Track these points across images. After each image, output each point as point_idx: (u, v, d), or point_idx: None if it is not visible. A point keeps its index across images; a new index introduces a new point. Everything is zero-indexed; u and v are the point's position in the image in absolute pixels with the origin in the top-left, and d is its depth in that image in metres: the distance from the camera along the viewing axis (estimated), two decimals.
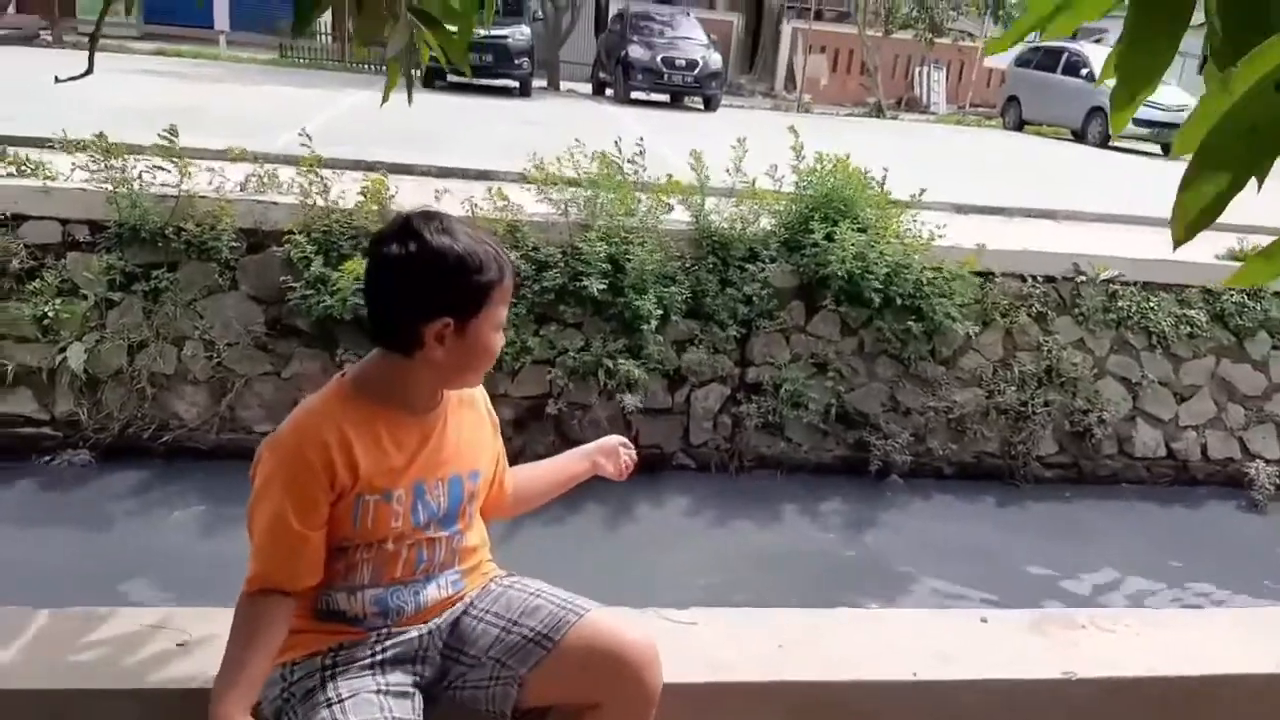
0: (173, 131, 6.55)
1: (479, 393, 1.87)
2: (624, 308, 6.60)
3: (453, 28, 2.09)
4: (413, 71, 2.20)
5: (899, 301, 6.82)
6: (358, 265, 6.22)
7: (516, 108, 14.99)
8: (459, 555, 1.79)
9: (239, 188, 6.73)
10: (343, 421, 1.60)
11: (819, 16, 23.27)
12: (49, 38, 17.25)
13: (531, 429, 6.70)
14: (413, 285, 1.58)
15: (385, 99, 2.27)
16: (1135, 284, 7.40)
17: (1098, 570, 6.00)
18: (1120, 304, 7.33)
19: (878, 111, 21.40)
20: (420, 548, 1.71)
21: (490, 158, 9.14)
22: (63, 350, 6.13)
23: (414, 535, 1.69)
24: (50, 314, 6.11)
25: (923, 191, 7.49)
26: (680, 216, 7.12)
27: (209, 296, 6.41)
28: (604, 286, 6.56)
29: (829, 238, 6.79)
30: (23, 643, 1.81)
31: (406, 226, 1.60)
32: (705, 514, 6.36)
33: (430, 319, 1.59)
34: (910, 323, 6.84)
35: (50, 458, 6.07)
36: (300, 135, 6.86)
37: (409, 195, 6.87)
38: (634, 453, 2.14)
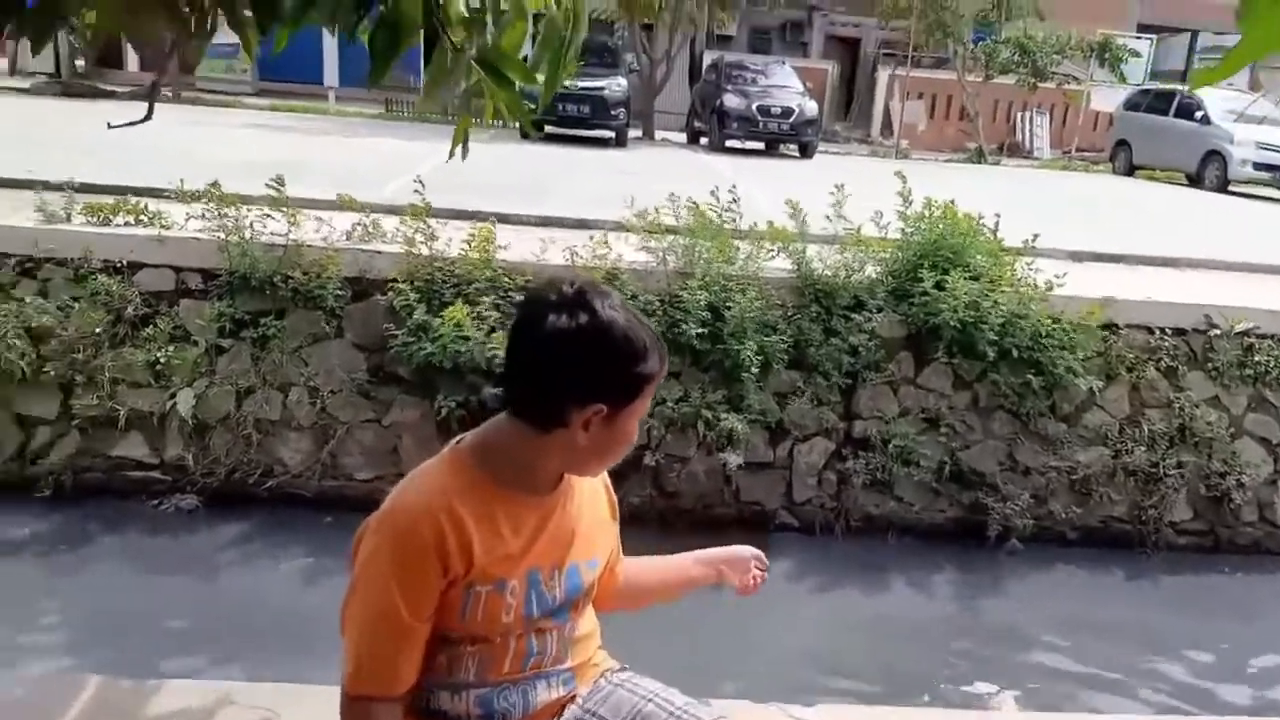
0: (280, 181, 6.69)
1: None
2: (723, 356, 6.43)
3: (522, 81, 1.97)
4: (473, 123, 2.10)
5: (1015, 354, 6.48)
6: (458, 313, 6.22)
7: (612, 158, 15.10)
8: (571, 648, 1.64)
9: (345, 237, 6.82)
10: (456, 499, 1.45)
11: (916, 64, 22.98)
12: (168, 94, 18.13)
13: (629, 481, 6.54)
14: (575, 363, 1.44)
15: (451, 153, 2.16)
16: (1272, 337, 6.90)
17: (1264, 654, 5.44)
18: (1257, 358, 6.83)
19: (979, 157, 20.93)
20: (530, 639, 1.56)
21: (588, 207, 9.13)
22: (173, 396, 6.25)
23: (524, 627, 1.54)
24: (163, 360, 6.25)
25: (1035, 237, 7.16)
26: (781, 264, 6.95)
27: (314, 344, 6.47)
28: (703, 334, 6.41)
29: (939, 286, 6.52)
30: (111, 715, 1.71)
31: (580, 297, 1.45)
32: (809, 579, 6.06)
33: (585, 403, 1.45)
34: (1029, 376, 6.49)
35: (159, 502, 6.16)
36: (415, 182, 6.94)
37: (511, 244, 6.87)
38: (767, 568, 1.96)
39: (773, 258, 6.95)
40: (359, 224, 6.93)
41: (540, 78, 1.98)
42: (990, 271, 6.70)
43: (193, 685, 1.82)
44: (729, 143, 17.39)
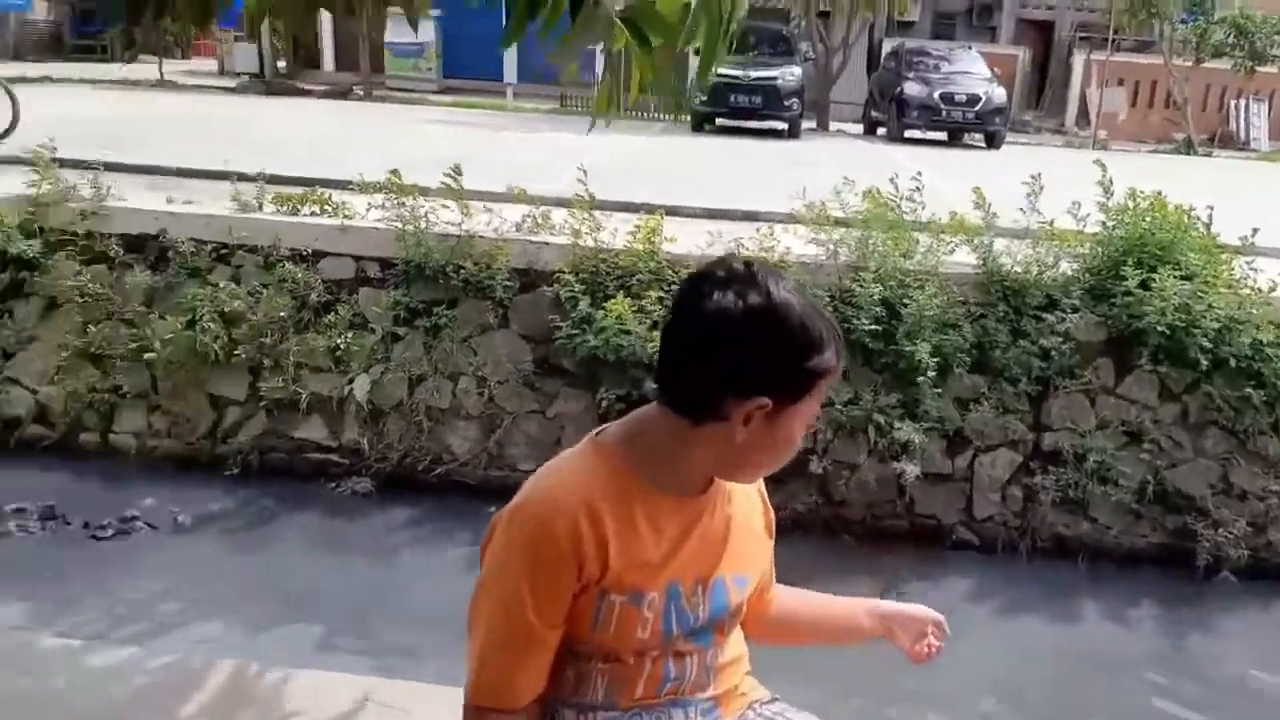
0: (457, 170, 6.80)
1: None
2: (897, 357, 6.07)
3: (664, 38, 1.78)
4: (620, 99, 1.93)
5: (1233, 363, 5.82)
6: (620, 306, 6.14)
7: (785, 149, 14.75)
8: (714, 674, 1.44)
9: (515, 228, 6.87)
10: (597, 493, 1.28)
11: (1116, 47, 21.38)
12: (360, 92, 19.06)
13: (791, 486, 6.28)
14: (740, 347, 1.24)
15: (592, 125, 1.99)
16: None
17: None
18: None
19: (1187, 147, 19.27)
20: (667, 662, 1.37)
21: (757, 199, 8.90)
22: (351, 381, 6.46)
23: (661, 647, 1.36)
24: (342, 346, 6.46)
25: (1255, 233, 6.42)
26: (965, 259, 6.51)
27: (483, 334, 6.54)
28: (876, 332, 6.08)
29: (1144, 285, 5.93)
30: (243, 702, 1.66)
31: (751, 274, 1.26)
32: (989, 602, 5.62)
33: (746, 395, 1.25)
34: (1248, 389, 5.82)
35: (336, 484, 6.37)
36: (578, 171, 6.91)
37: (677, 237, 6.74)
38: (947, 636, 1.68)
39: (954, 251, 6.53)
40: (529, 216, 6.97)
41: (692, 52, 1.79)
42: (1204, 271, 6.05)
43: (324, 676, 1.76)
44: (908, 133, 16.68)
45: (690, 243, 6.79)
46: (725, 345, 1.24)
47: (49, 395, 6.52)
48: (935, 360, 5.99)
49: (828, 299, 6.33)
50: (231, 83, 20.07)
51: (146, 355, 6.48)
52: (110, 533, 5.50)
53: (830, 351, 1.28)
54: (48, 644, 1.88)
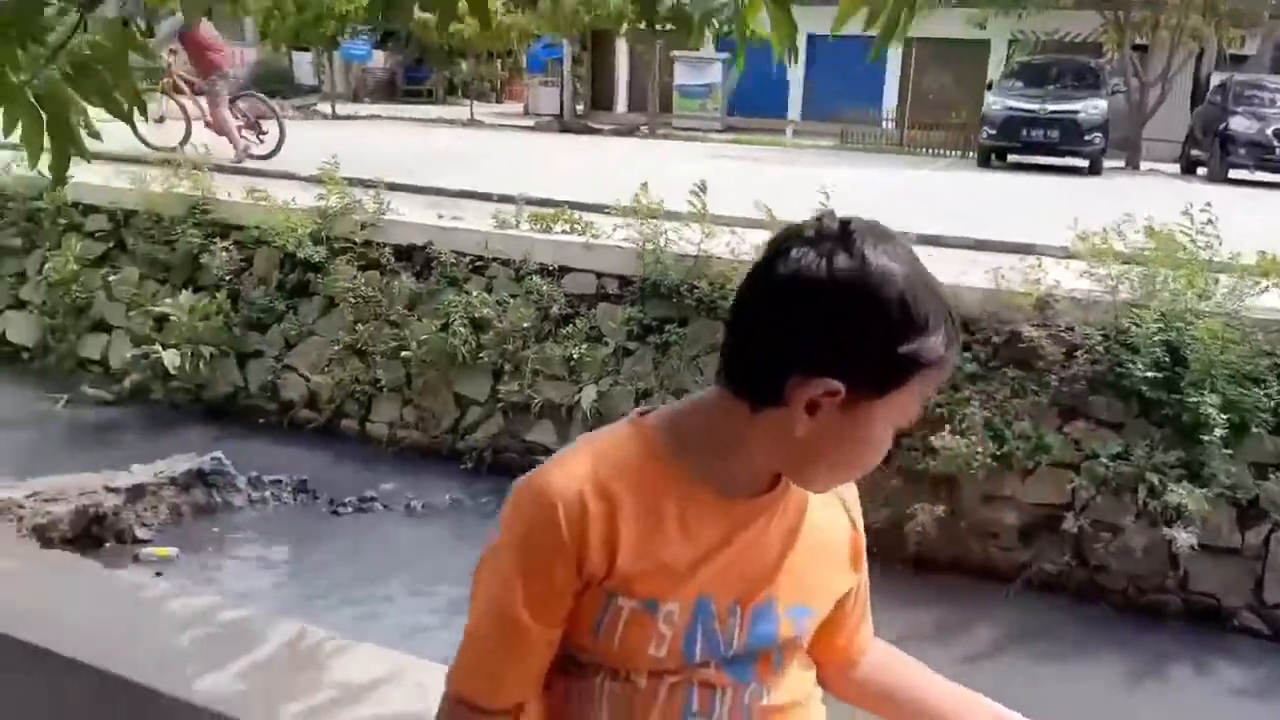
0: (700, 191, 6.76)
1: (846, 491, 1.21)
2: (1180, 409, 5.26)
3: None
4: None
5: None
6: None
7: (1082, 186, 13.51)
8: (754, 718, 1.13)
9: (755, 251, 6.70)
10: (617, 476, 1.05)
11: None
12: (645, 130, 19.78)
13: (1040, 543, 5.60)
14: (812, 318, 0.98)
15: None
16: None
17: None
18: None
19: None
20: (691, 692, 1.08)
21: (1036, 233, 8.14)
22: (580, 390, 6.56)
23: (683, 670, 1.07)
24: (576, 356, 6.60)
25: None
26: (1276, 303, 5.55)
27: (711, 353, 6.41)
28: (1154, 379, 5.30)
29: None
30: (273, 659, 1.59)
31: (844, 232, 0.99)
32: (1276, 702, 4.67)
33: (809, 373, 0.98)
34: None
35: None
36: (821, 195, 6.64)
37: (933, 265, 6.27)
38: None
39: (1264, 293, 5.60)
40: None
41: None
42: None
43: (392, 655, 1.64)
44: (1233, 172, 14.75)
45: (939, 270, 6.27)
46: (794, 312, 0.98)
47: (319, 384, 7.16)
48: (1226, 417, 5.12)
49: (1099, 338, 5.67)
50: (531, 122, 21.54)
51: (403, 353, 6.95)
52: (349, 510, 5.91)
53: (938, 338, 0.99)
54: (140, 582, 1.91)
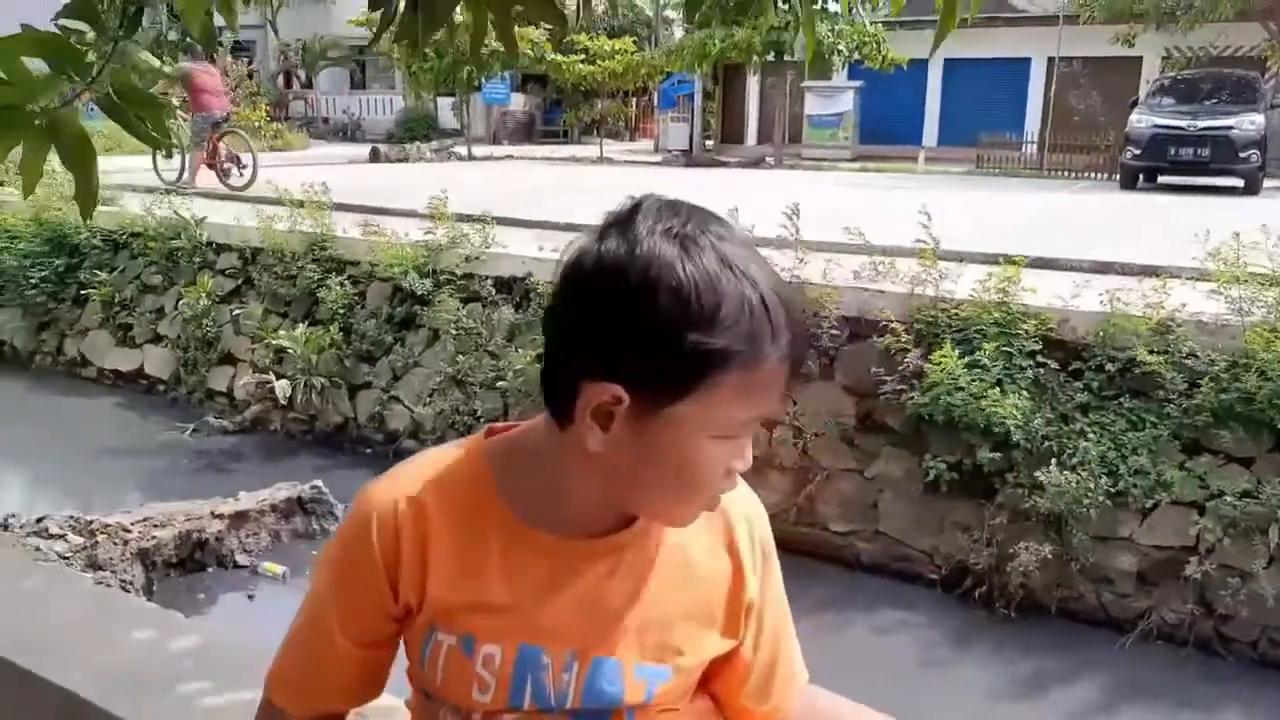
0: (795, 211, 6.63)
1: (738, 509, 1.03)
2: None
3: None
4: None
5: None
6: (949, 358, 5.52)
7: (1233, 207, 12.53)
8: None
9: (853, 276, 6.50)
10: (437, 498, 0.96)
11: None
12: (771, 162, 19.65)
13: (1160, 590, 5.13)
14: (577, 310, 0.88)
15: None
16: None
17: None
18: None
19: None
20: None
21: (1169, 255, 7.58)
22: None
23: (523, 716, 0.97)
24: None
25: None
26: None
27: (804, 383, 6.22)
28: None
29: None
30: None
31: (629, 213, 0.88)
32: None
33: (594, 378, 0.86)
34: None
35: None
36: (923, 215, 6.41)
37: (1048, 288, 5.95)
38: None
39: None
40: (869, 264, 6.57)
41: None
42: None
43: None
44: None
45: (1052, 293, 5.94)
46: (568, 308, 0.89)
47: (422, 414, 7.34)
48: None
49: (1223, 364, 5.20)
50: (660, 158, 21.76)
51: (500, 383, 7.05)
52: None
53: (739, 329, 0.83)
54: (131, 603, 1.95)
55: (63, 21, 1.46)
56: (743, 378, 0.85)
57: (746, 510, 1.05)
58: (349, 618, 0.99)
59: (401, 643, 1.02)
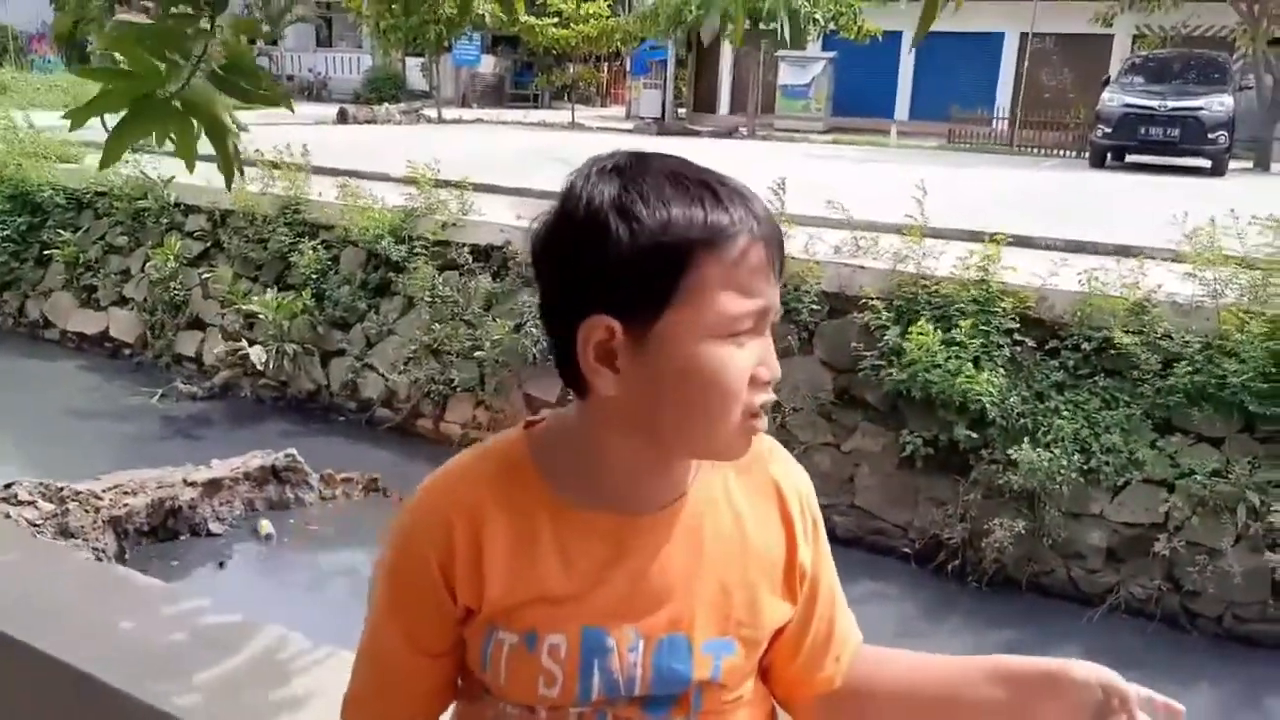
0: (781, 186, 6.63)
1: (789, 482, 1.01)
2: None
3: None
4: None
5: None
6: (927, 335, 5.55)
7: (1202, 187, 12.70)
8: None
9: (834, 251, 6.51)
10: (491, 495, 0.94)
11: None
12: (744, 132, 19.58)
13: (1129, 566, 5.24)
14: (552, 263, 0.89)
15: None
16: None
17: None
18: None
19: None
20: None
21: (1139, 235, 7.67)
22: None
23: (584, 710, 0.95)
24: None
25: None
26: None
27: (784, 358, 6.17)
28: (1261, 390, 4.93)
29: None
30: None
31: (586, 168, 0.89)
32: None
33: (578, 317, 0.86)
34: None
35: None
36: (918, 195, 6.43)
37: (1025, 266, 5.99)
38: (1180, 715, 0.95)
39: None
40: (851, 239, 6.58)
41: None
42: None
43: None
44: None
45: (1031, 272, 5.99)
46: (540, 272, 0.90)
47: (396, 383, 7.27)
48: None
49: (1198, 346, 5.30)
50: (631, 125, 21.58)
51: (477, 353, 7.00)
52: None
53: (697, 222, 0.84)
54: (140, 582, 1.91)
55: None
56: (717, 266, 0.84)
57: (797, 484, 1.02)
58: (412, 627, 0.97)
59: None
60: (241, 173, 1.63)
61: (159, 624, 1.76)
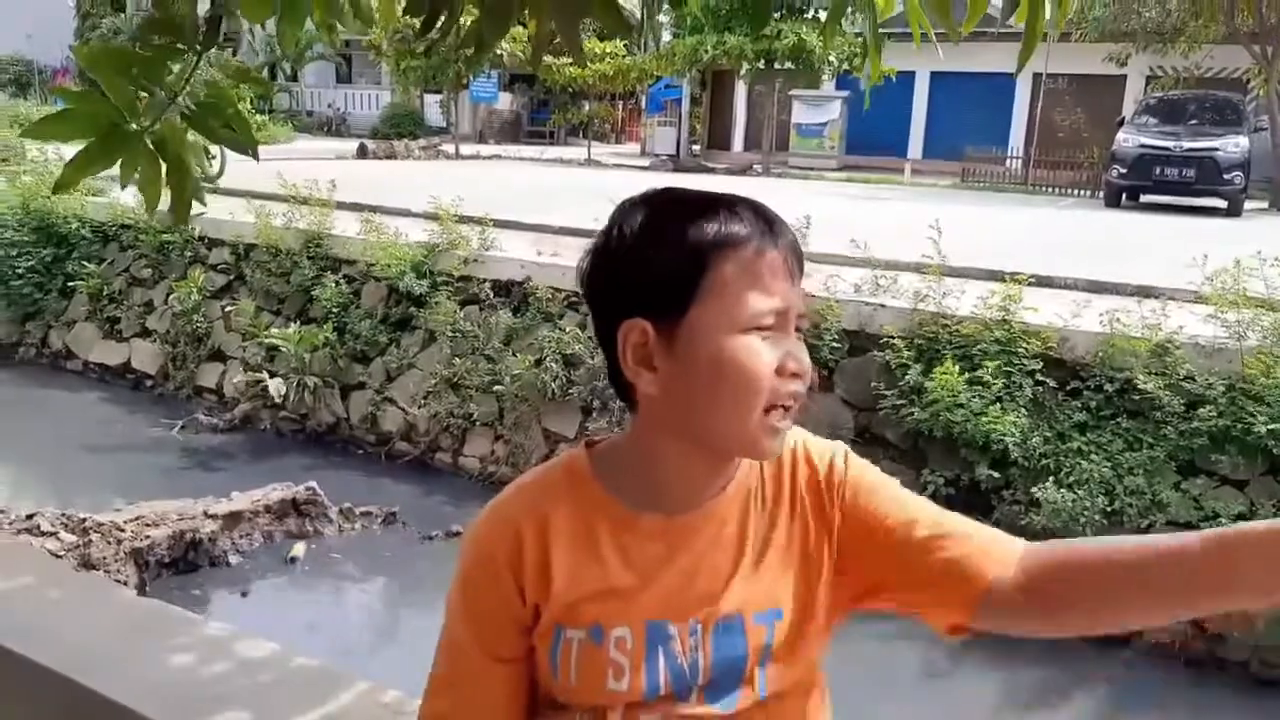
0: (806, 223, 6.70)
1: (803, 458, 1.03)
2: None
3: None
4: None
5: None
6: (950, 376, 5.55)
7: (1217, 227, 12.72)
8: None
9: (854, 290, 6.53)
10: (552, 505, 1.02)
11: None
12: (758, 169, 19.72)
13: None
14: (595, 279, 1.00)
15: None
16: None
17: None
18: None
19: None
20: None
21: (1156, 275, 7.68)
22: None
23: (657, 708, 0.99)
24: None
25: None
26: None
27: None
28: None
29: None
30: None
31: (624, 201, 1.01)
32: None
33: (616, 323, 0.96)
34: None
35: None
36: (933, 233, 6.46)
37: (1046, 306, 6.00)
38: None
39: None
40: (871, 277, 6.61)
41: None
42: None
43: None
44: None
45: (1053, 312, 5.99)
46: (587, 292, 1.00)
47: (416, 416, 7.30)
48: None
49: (1221, 389, 5.28)
50: (647, 162, 21.78)
51: (496, 388, 7.03)
52: (437, 536, 6.00)
53: (714, 225, 0.93)
54: (166, 611, 1.92)
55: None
56: (734, 266, 0.92)
57: (812, 455, 1.04)
58: (485, 633, 1.02)
59: None
60: (186, 221, 1.60)
61: (196, 656, 1.77)
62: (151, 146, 1.39)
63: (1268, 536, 0.84)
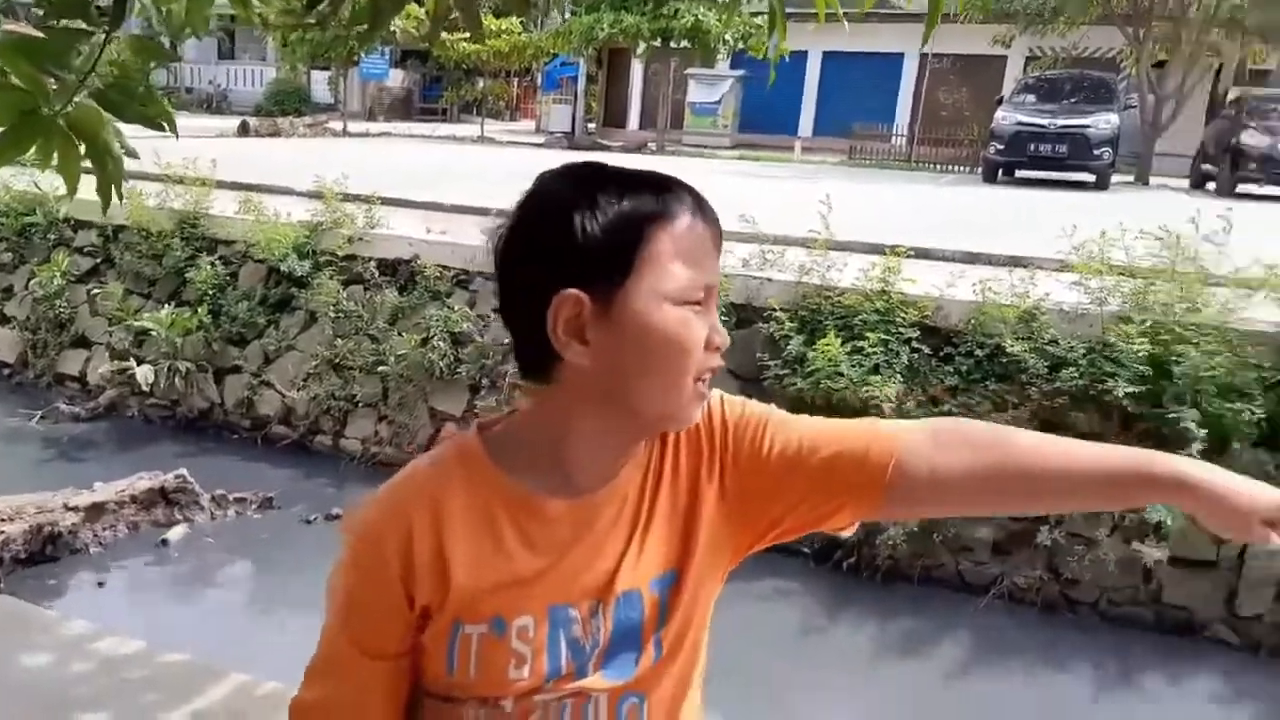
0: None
1: (720, 407, 1.04)
2: (1160, 423, 5.09)
3: None
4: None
5: None
6: (833, 346, 5.67)
7: (1086, 200, 13.29)
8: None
9: (742, 265, 6.60)
10: (446, 494, 0.97)
11: None
12: (653, 147, 19.75)
13: (1014, 558, 5.44)
14: (518, 253, 0.96)
15: None
16: None
17: None
18: None
19: None
20: (564, 710, 0.98)
21: (1027, 246, 7.99)
22: None
23: (554, 689, 0.97)
24: None
25: None
26: (1271, 315, 5.40)
27: None
28: (1137, 393, 5.15)
29: None
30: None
31: (543, 174, 0.99)
32: (1245, 708, 4.62)
33: (548, 296, 0.92)
34: None
35: None
36: (822, 209, 6.58)
37: (923, 277, 6.17)
38: None
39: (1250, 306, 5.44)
40: (759, 253, 6.69)
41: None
42: None
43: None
44: (1241, 187, 14.48)
45: (929, 283, 6.17)
46: (505, 265, 0.97)
47: (295, 399, 7.09)
48: (1206, 431, 4.98)
49: (1082, 352, 5.53)
50: (542, 139, 21.59)
51: (381, 368, 6.88)
52: (317, 519, 5.86)
53: (647, 197, 0.93)
54: (69, 628, 1.82)
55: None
56: (669, 239, 0.92)
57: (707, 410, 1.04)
58: (366, 632, 0.98)
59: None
60: (120, 197, 1.58)
61: (56, 656, 1.68)
62: (67, 129, 1.38)
63: (1172, 486, 0.97)
